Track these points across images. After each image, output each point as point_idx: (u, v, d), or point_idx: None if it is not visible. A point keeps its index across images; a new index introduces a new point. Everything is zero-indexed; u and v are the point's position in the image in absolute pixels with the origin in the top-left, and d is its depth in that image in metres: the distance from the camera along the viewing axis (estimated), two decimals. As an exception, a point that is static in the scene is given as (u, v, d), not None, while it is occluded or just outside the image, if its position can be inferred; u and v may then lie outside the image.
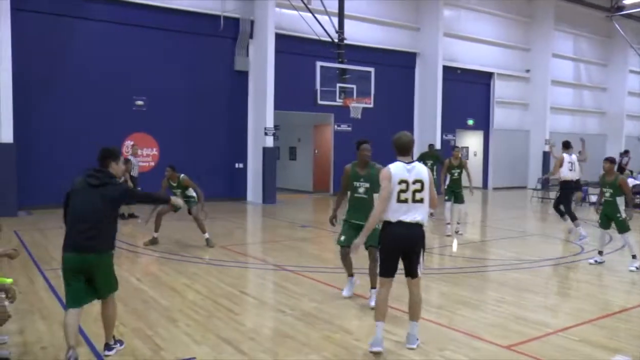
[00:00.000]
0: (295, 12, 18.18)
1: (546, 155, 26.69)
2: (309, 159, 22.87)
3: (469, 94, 25.27)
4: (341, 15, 18.14)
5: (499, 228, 14.12)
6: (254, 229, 14.27)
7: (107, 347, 5.01)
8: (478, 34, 25.13)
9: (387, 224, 5.21)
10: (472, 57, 24.97)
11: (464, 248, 11.43)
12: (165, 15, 17.00)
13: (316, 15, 17.70)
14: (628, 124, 31.86)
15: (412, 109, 23.40)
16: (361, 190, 6.72)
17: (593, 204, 19.53)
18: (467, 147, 27.47)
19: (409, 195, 5.10)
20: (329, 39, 17.83)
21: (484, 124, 26.31)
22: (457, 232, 12.52)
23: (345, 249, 6.77)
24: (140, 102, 16.75)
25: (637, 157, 28.41)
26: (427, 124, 22.98)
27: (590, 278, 8.66)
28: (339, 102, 17.36)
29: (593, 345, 5.57)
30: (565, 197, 12.24)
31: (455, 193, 12.58)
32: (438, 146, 22.61)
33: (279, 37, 18.32)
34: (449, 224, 12.45)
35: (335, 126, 20.99)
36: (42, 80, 15.26)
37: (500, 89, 26.45)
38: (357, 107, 17.56)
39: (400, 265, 5.32)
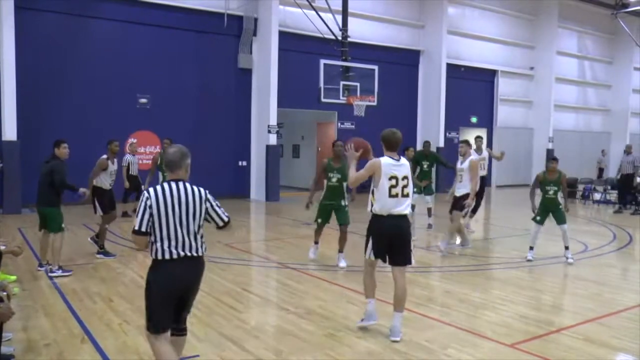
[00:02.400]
0: (299, 10, 18.17)
1: (550, 153, 26.60)
2: (313, 156, 22.83)
3: (472, 91, 25.21)
4: (345, 13, 18.11)
5: (502, 226, 14.09)
6: (257, 227, 14.27)
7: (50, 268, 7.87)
8: (482, 31, 25.08)
9: (377, 216, 5.56)
10: (476, 54, 24.92)
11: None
12: (169, 13, 16.99)
13: (320, 13, 17.68)
14: (633, 122, 31.77)
15: (416, 106, 23.37)
16: (334, 179, 8.64)
17: (597, 201, 19.66)
18: (471, 145, 27.39)
19: (399, 190, 5.48)
20: (333, 37, 17.81)
21: (487, 122, 26.25)
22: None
23: (321, 227, 8.92)
24: (144, 100, 16.77)
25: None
26: (431, 121, 22.95)
27: (595, 276, 8.64)
28: (342, 100, 17.35)
29: (597, 344, 5.56)
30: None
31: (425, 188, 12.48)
32: (441, 144, 22.61)
33: (283, 35, 18.30)
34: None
35: (339, 124, 20.97)
36: (45, 78, 15.28)
37: (504, 87, 26.39)
38: (360, 105, 17.54)
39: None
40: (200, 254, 4.07)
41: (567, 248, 9.47)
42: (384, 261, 5.66)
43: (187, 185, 4.06)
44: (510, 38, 26.34)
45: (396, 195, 5.48)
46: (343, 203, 8.71)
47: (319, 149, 22.58)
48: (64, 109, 15.51)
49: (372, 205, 5.59)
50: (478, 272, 8.89)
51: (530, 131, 27.55)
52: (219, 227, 4.21)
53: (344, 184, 8.48)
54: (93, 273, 8.14)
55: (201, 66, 17.75)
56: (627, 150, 18.06)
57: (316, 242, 9.19)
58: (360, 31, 20.24)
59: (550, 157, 9.97)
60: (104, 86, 16.07)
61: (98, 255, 9.10)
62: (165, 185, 4.02)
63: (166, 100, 17.03)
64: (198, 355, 5.01)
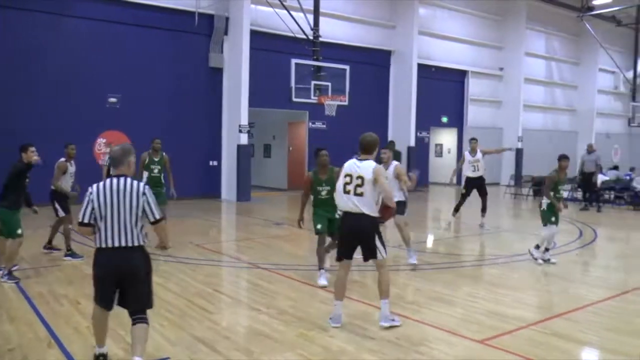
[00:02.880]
0: (270, 9, 18.10)
1: (519, 152, 27.05)
2: (284, 156, 22.81)
3: (443, 91, 25.46)
4: (317, 13, 18.13)
5: (473, 224, 14.24)
6: (228, 227, 14.19)
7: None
8: (452, 32, 25.34)
9: (342, 215, 5.95)
10: (447, 55, 25.16)
11: (438, 244, 11.51)
12: (139, 12, 16.77)
13: (292, 12, 17.66)
14: (598, 121, 32.48)
15: (387, 106, 23.49)
16: (324, 193, 7.71)
17: (565, 199, 19.97)
18: (442, 144, 27.69)
19: (351, 187, 5.70)
20: (304, 37, 17.81)
21: (458, 121, 26.53)
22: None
23: (323, 236, 7.68)
24: (113, 100, 16.52)
25: (607, 153, 28.94)
26: (402, 121, 23.09)
27: (562, 273, 8.78)
28: (313, 99, 17.38)
29: (564, 339, 5.68)
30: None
31: None
32: (412, 143, 22.79)
33: (254, 34, 18.21)
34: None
35: (310, 124, 20.96)
36: (12, 78, 14.92)
37: (474, 87, 26.69)
38: (331, 104, 17.59)
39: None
40: (136, 244, 4.42)
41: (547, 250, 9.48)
42: (347, 258, 5.96)
43: (128, 180, 4.43)
44: (479, 39, 26.66)
45: (348, 192, 5.75)
46: (337, 215, 7.50)
47: (290, 148, 22.56)
48: (33, 109, 15.16)
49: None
50: (449, 269, 8.96)
51: (499, 130, 27.91)
52: (151, 223, 4.50)
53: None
54: (60, 275, 7.99)
55: (172, 65, 17.57)
56: (589, 149, 18.42)
57: (321, 267, 7.69)
58: (332, 31, 20.25)
59: (562, 155, 9.60)
60: (73, 86, 15.77)
61: (65, 258, 8.94)
62: (108, 180, 4.43)
63: (136, 100, 16.81)
64: (169, 358, 4.96)
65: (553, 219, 9.36)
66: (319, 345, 5.34)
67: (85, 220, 4.38)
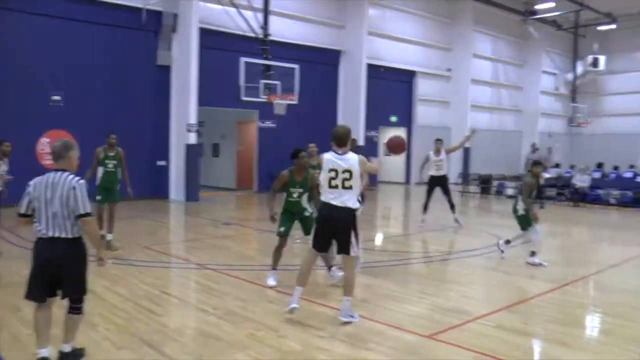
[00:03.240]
0: (220, 7, 17.95)
1: (466, 151, 27.61)
2: (233, 155, 22.67)
3: (392, 91, 25.78)
4: (266, 11, 18.12)
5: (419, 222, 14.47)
6: (177, 228, 14.01)
7: None
8: (401, 33, 25.65)
9: (322, 204, 5.98)
10: (396, 55, 25.46)
11: (387, 242, 11.67)
12: (84, 7, 16.31)
13: (241, 10, 17.57)
14: (542, 121, 33.59)
15: (336, 106, 23.59)
16: (295, 195, 7.52)
17: (510, 196, 20.56)
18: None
19: (338, 182, 5.79)
20: (254, 35, 17.74)
21: (406, 121, 26.90)
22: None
23: (285, 239, 7.56)
24: (57, 98, 16.04)
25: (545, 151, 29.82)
26: (351, 120, 23.15)
27: (507, 267, 9.05)
28: (263, 98, 17.34)
29: (508, 330, 5.89)
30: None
31: None
32: (361, 142, 22.96)
33: (203, 32, 18.01)
34: None
35: (260, 123, 20.87)
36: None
37: (422, 87, 27.11)
38: (281, 103, 17.59)
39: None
40: (68, 236, 4.56)
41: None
42: (321, 250, 6.15)
43: (64, 174, 4.58)
44: (428, 40, 27.10)
45: (336, 187, 5.84)
46: (306, 213, 7.60)
47: (240, 148, 22.44)
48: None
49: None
50: (397, 266, 9.10)
51: (447, 130, 28.39)
52: (77, 217, 4.54)
53: (305, 197, 7.55)
54: None
55: (118, 63, 17.15)
56: (534, 148, 19.00)
57: (274, 268, 7.60)
58: (281, 30, 20.22)
59: (536, 161, 9.77)
60: (14, 84, 15.21)
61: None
62: (46, 174, 4.59)
63: (81, 98, 16.35)
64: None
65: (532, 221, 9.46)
66: (268, 345, 5.35)
67: (22, 211, 4.62)
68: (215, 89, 18.68)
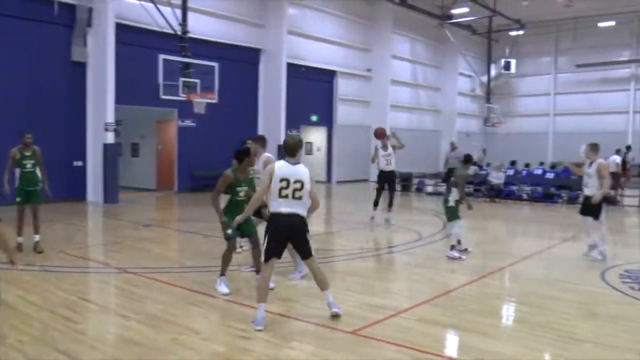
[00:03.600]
0: (136, 2, 17.46)
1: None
2: (153, 155, 22.12)
3: (312, 91, 25.93)
4: (184, 8, 17.74)
5: (343, 220, 14.65)
6: (95, 231, 13.53)
7: None
8: (321, 33, 25.84)
9: (271, 215, 5.95)
10: (316, 55, 25.62)
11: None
12: (-12, -1, 15.47)
13: (159, 6, 17.15)
14: (458, 121, 34.89)
15: (257, 105, 23.47)
16: (242, 194, 7.27)
17: (430, 194, 21.18)
18: (312, 143, 28.17)
19: (289, 191, 5.82)
20: (172, 32, 17.36)
21: (327, 120, 27.15)
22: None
23: (233, 242, 7.33)
24: (-40, 95, 15.13)
25: (467, 150, 30.90)
26: (272, 120, 23.20)
27: (427, 262, 9.32)
28: (182, 97, 16.99)
29: (429, 323, 6.08)
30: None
31: None
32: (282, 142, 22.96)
33: (120, 28, 17.44)
34: None
35: (179, 122, 20.47)
36: None
37: (343, 87, 27.43)
38: (200, 102, 17.31)
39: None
40: None
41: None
42: (278, 257, 6.10)
43: None
44: (348, 41, 27.44)
45: (286, 197, 5.85)
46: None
47: (159, 147, 21.94)
48: None
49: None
50: (321, 264, 9.13)
51: (368, 129, 28.78)
52: None
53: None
54: None
55: (29, 58, 16.28)
56: (453, 147, 19.64)
57: (224, 274, 7.28)
58: (201, 27, 19.88)
59: (468, 156, 10.27)
60: None
61: None
62: None
63: (-12, 95, 15.51)
64: None
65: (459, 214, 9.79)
66: (191, 348, 5.26)
67: None
68: (133, 86, 18.15)
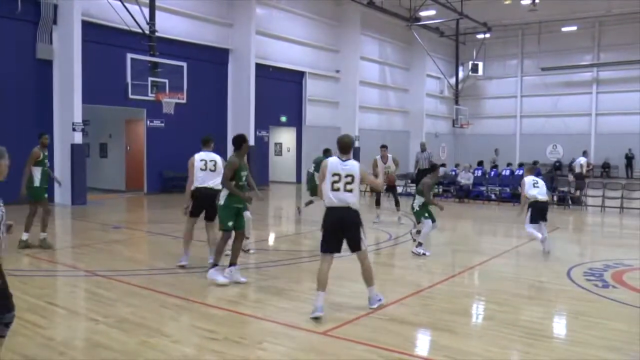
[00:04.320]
0: None
1: (356, 151, 28.28)
2: (121, 156, 21.86)
3: (281, 91, 25.90)
4: (152, 6, 17.54)
5: (313, 220, 14.64)
6: (63, 233, 13.26)
7: None
8: (290, 33, 25.83)
9: (326, 209, 6.41)
10: (285, 56, 25.60)
11: (280, 241, 11.73)
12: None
13: (126, 4, 16.94)
14: (427, 122, 35.29)
15: (226, 105, 23.36)
16: (244, 179, 7.66)
17: (400, 194, 21.28)
18: (281, 143, 28.16)
19: (341, 185, 6.22)
20: (140, 31, 17.17)
21: (296, 121, 27.16)
22: None
23: (229, 233, 7.61)
24: None
25: (436, 151, 31.27)
26: (241, 120, 23.10)
27: (398, 262, 9.41)
28: (151, 96, 16.82)
29: (400, 322, 6.14)
30: None
31: None
32: (252, 142, 22.89)
33: (87, 25, 17.19)
34: None
35: (148, 122, 20.26)
36: None
37: (311, 88, 27.47)
38: (169, 102, 17.16)
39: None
40: None
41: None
42: (336, 251, 6.42)
43: None
44: (317, 42, 27.50)
45: (338, 190, 6.25)
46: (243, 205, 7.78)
47: (128, 148, 21.68)
48: None
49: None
50: (291, 265, 9.18)
51: (337, 130, 28.85)
52: None
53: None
54: None
55: (-9, 55, 15.98)
56: (422, 148, 19.83)
57: (216, 264, 7.62)
58: (169, 26, 19.71)
59: (434, 165, 10.93)
60: None
61: None
62: None
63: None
64: None
65: (426, 214, 9.95)
66: (162, 351, 5.21)
67: None
68: (101, 86, 17.91)
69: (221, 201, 7.58)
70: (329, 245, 6.38)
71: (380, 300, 6.56)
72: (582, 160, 20.81)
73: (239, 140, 7.72)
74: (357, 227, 6.35)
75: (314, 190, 12.96)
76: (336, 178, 6.27)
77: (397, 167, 14.59)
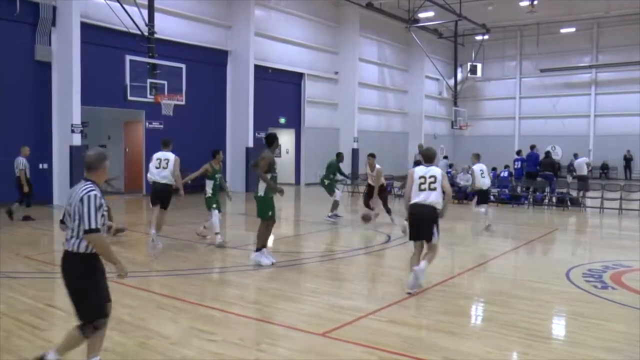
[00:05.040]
0: (102, 1, 17.23)
1: (355, 152, 28.33)
2: (120, 157, 21.81)
3: (280, 93, 25.90)
4: (151, 8, 17.56)
5: (311, 222, 14.65)
6: (62, 235, 13.13)
7: None
8: (289, 35, 25.86)
9: (410, 206, 7.49)
10: (283, 57, 25.61)
11: (278, 243, 11.70)
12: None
13: (125, 5, 16.94)
14: (426, 123, 35.27)
15: (225, 106, 23.37)
16: (276, 172, 8.89)
17: (399, 196, 21.31)
18: (280, 145, 28.12)
19: (426, 185, 7.33)
20: (139, 32, 17.16)
21: (295, 122, 27.15)
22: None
23: (269, 221, 8.86)
24: None
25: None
26: (240, 121, 23.11)
27: (397, 264, 9.38)
28: (150, 98, 16.80)
29: (399, 324, 6.13)
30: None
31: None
32: (250, 144, 22.90)
33: (86, 27, 17.21)
34: None
35: (147, 123, 20.25)
36: None
37: (310, 89, 27.48)
38: (168, 103, 17.14)
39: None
40: (69, 249, 4.30)
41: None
42: (419, 239, 7.48)
43: (82, 184, 4.36)
44: (316, 43, 27.52)
45: (424, 190, 7.36)
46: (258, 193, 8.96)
47: (127, 149, 21.66)
48: None
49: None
50: (290, 267, 9.16)
51: (336, 131, 29.01)
52: (84, 232, 4.24)
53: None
54: None
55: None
56: (421, 149, 19.77)
57: (264, 247, 8.95)
58: (167, 28, 19.73)
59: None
60: None
61: None
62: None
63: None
64: None
65: (215, 205, 10.60)
66: (160, 353, 5.21)
67: (60, 218, 4.48)
68: (100, 87, 17.93)
69: (260, 192, 8.65)
70: (416, 235, 7.52)
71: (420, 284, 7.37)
72: (586, 160, 20.89)
73: (272, 138, 8.89)
74: (433, 223, 7.36)
75: (330, 188, 14.71)
76: (422, 180, 7.38)
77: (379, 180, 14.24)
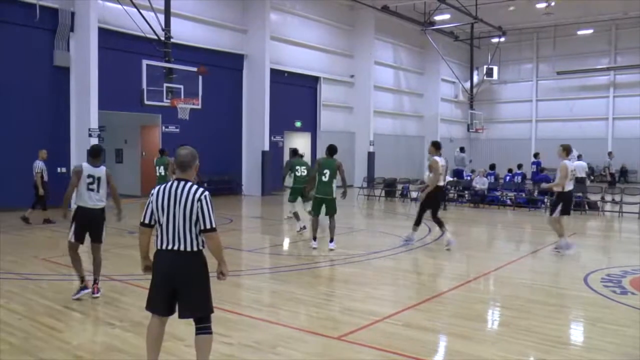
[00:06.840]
0: (119, 6, 17.38)
1: (371, 156, 28.28)
2: (136, 161, 21.98)
3: (296, 96, 25.93)
4: (167, 13, 17.67)
5: (327, 226, 14.62)
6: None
7: None
8: (304, 39, 25.88)
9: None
10: (299, 61, 25.65)
11: (294, 247, 11.72)
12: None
13: (142, 11, 17.08)
14: (442, 127, 35.12)
15: (241, 110, 23.43)
16: (327, 175, 10.63)
17: (414, 199, 21.25)
18: (296, 149, 28.14)
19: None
20: (155, 37, 17.29)
21: (311, 126, 27.17)
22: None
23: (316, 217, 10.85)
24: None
25: (450, 156, 31.15)
26: (256, 125, 23.15)
27: (413, 267, 9.36)
28: (166, 102, 16.90)
29: (415, 328, 6.10)
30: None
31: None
32: (266, 147, 22.95)
33: (103, 32, 17.37)
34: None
35: (163, 127, 20.39)
36: None
37: (326, 93, 27.47)
38: (184, 107, 17.23)
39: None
40: (188, 249, 4.36)
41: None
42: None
43: (188, 184, 4.37)
44: (331, 47, 27.52)
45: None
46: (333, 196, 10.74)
47: (144, 153, 21.80)
48: None
49: None
50: (304, 270, 9.16)
51: (352, 135, 28.97)
52: (201, 231, 4.35)
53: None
54: None
55: (10, 62, 16.06)
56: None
57: (314, 238, 10.87)
58: (184, 32, 19.83)
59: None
60: None
61: None
62: (169, 183, 4.44)
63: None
64: None
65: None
66: (176, 355, 5.24)
67: (145, 221, 4.54)
68: (117, 92, 18.04)
69: (334, 195, 10.69)
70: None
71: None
72: (585, 168, 20.97)
73: (335, 148, 11.05)
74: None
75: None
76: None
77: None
